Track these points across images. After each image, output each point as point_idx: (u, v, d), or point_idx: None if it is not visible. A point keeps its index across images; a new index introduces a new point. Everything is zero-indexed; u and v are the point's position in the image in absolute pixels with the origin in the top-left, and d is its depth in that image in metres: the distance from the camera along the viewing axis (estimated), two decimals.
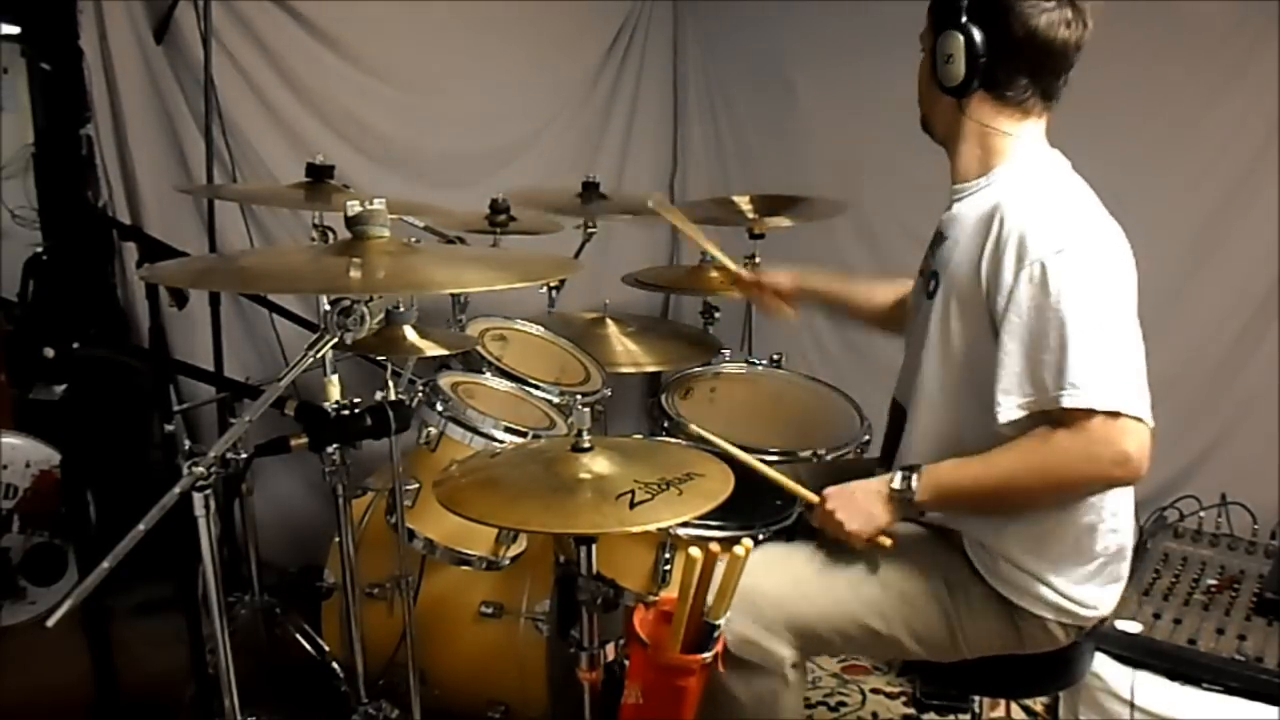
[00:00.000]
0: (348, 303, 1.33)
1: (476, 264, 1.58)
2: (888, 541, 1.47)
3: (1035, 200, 1.38)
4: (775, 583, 1.50)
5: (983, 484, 1.39)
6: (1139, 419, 1.27)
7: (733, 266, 2.17)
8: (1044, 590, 1.45)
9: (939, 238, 1.54)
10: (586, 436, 1.44)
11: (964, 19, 1.40)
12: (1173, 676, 1.83)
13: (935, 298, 1.49)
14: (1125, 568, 1.53)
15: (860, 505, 1.46)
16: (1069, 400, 1.28)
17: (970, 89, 1.43)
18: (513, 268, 1.51)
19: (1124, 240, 1.38)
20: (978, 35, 1.40)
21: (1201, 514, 2.39)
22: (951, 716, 2.32)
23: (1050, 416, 1.32)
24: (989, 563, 1.48)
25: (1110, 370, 1.28)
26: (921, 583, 1.50)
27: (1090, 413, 1.27)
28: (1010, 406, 1.34)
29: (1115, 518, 1.47)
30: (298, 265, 1.51)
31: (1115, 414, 1.26)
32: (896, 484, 1.43)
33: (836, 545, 1.55)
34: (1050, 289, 1.30)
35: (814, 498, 1.52)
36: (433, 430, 2.01)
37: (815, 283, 2.01)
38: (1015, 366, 1.33)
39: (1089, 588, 1.47)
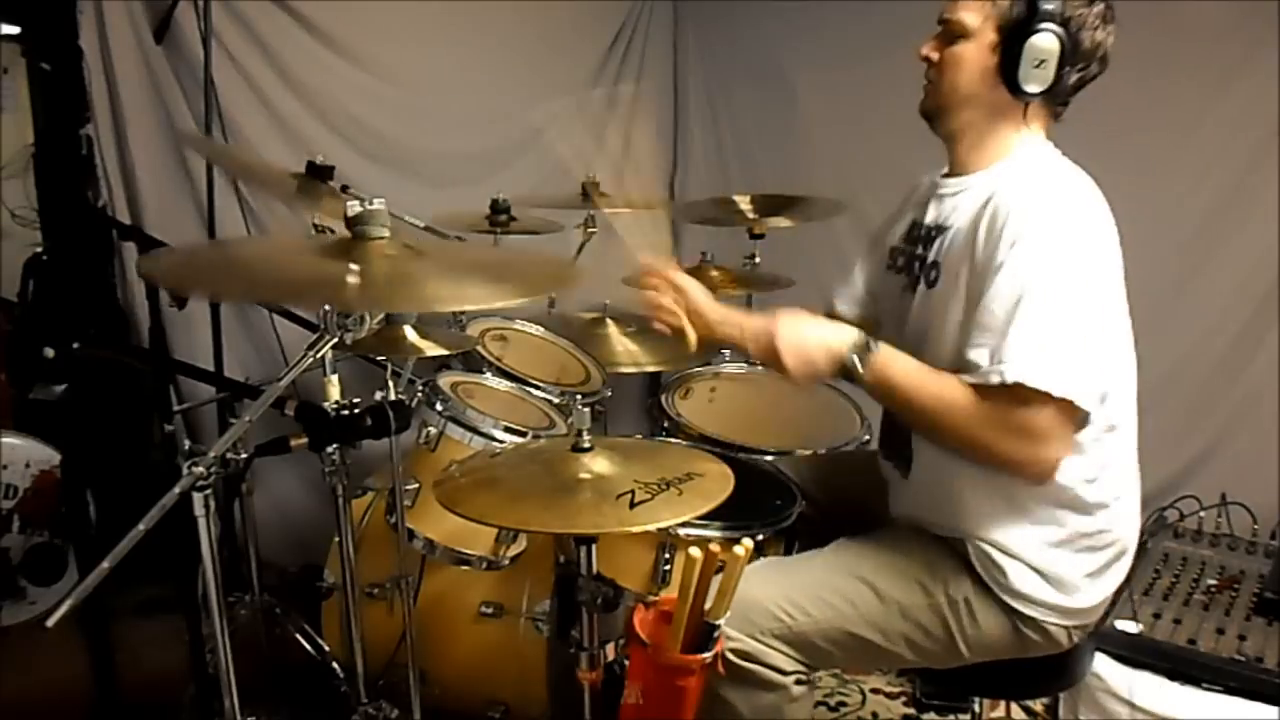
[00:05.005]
0: None
1: (479, 271, 1.53)
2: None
3: (1032, 188, 1.39)
4: (770, 595, 1.49)
5: (910, 397, 1.41)
6: (1068, 400, 1.29)
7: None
8: (1048, 591, 1.46)
9: (939, 229, 1.52)
10: (586, 436, 1.44)
11: (1056, 25, 1.39)
12: (1173, 676, 1.83)
13: (936, 287, 1.49)
14: (1127, 560, 1.54)
15: (808, 352, 1.44)
16: (995, 376, 1.31)
17: (1044, 94, 1.43)
18: (516, 273, 1.48)
19: (1112, 226, 1.40)
20: (1069, 44, 1.40)
21: (1201, 514, 2.38)
22: (951, 717, 2.32)
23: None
24: (996, 575, 1.47)
25: (1048, 349, 1.30)
26: (921, 597, 1.49)
27: (1019, 386, 1.29)
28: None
29: (1121, 501, 1.48)
30: (295, 271, 1.47)
31: (1044, 394, 1.28)
32: (848, 355, 1.42)
33: (835, 559, 1.55)
34: (1026, 268, 1.32)
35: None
36: (433, 430, 2.01)
37: None
38: (973, 338, 1.36)
39: (1087, 560, 1.47)
